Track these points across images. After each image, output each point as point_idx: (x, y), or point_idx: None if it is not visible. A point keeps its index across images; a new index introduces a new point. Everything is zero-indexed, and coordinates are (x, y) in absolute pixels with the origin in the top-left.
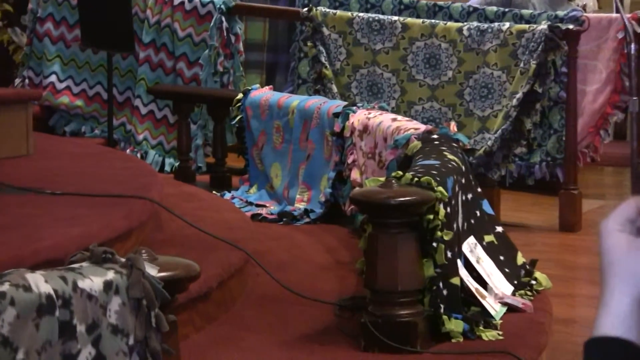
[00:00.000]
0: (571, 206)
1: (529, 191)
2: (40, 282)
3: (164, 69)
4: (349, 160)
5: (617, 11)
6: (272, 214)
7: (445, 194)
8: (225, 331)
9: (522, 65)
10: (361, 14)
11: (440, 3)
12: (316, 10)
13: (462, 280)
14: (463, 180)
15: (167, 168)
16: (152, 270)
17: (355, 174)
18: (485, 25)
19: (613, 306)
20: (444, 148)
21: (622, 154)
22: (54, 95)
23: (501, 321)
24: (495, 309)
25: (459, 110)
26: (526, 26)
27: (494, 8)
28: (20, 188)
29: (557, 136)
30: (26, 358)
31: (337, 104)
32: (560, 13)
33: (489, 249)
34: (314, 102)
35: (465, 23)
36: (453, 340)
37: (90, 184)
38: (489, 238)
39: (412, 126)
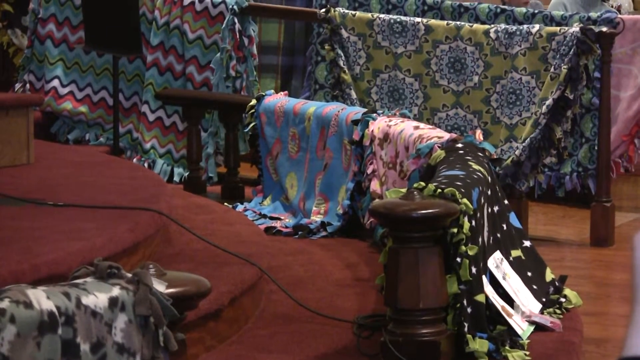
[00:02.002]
0: (604, 219)
1: (559, 203)
2: (42, 299)
3: (173, 73)
4: (369, 170)
5: None
6: (287, 227)
7: (470, 206)
8: (237, 351)
9: (552, 69)
10: (382, 15)
11: (466, 4)
12: (334, 11)
13: (487, 297)
14: (489, 192)
15: (176, 178)
16: (160, 286)
17: (375, 185)
18: (514, 28)
19: None
20: (469, 158)
21: None
22: (56, 101)
23: (529, 341)
24: (522, 327)
25: (485, 117)
26: (557, 28)
27: (523, 9)
28: (20, 199)
29: (589, 145)
30: None
31: (357, 111)
32: (594, 14)
33: (516, 265)
34: (332, 108)
35: (493, 25)
36: None
37: (94, 195)
38: (516, 253)
39: (435, 134)
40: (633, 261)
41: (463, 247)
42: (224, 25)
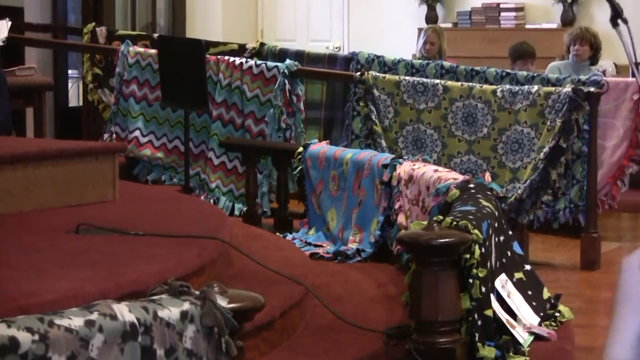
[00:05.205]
0: (592, 247)
1: (554, 234)
2: (125, 312)
3: (234, 125)
4: (396, 206)
5: (633, 75)
6: (328, 253)
7: (481, 236)
8: (286, 356)
9: (549, 123)
10: (407, 78)
11: (477, 68)
12: (368, 74)
13: (494, 312)
14: (496, 224)
15: (237, 212)
16: (222, 302)
17: (401, 218)
18: (517, 88)
19: (623, 334)
20: (479, 196)
21: (637, 201)
22: (138, 148)
23: (529, 348)
24: (524, 337)
25: (493, 162)
26: (553, 89)
27: (525, 72)
28: (107, 229)
29: (580, 186)
30: None
31: (386, 157)
32: (583, 77)
33: (519, 285)
34: (366, 154)
35: (499, 86)
36: None
37: (169, 226)
38: (518, 275)
39: (451, 176)
40: (619, 280)
41: (474, 270)
42: (276, 86)
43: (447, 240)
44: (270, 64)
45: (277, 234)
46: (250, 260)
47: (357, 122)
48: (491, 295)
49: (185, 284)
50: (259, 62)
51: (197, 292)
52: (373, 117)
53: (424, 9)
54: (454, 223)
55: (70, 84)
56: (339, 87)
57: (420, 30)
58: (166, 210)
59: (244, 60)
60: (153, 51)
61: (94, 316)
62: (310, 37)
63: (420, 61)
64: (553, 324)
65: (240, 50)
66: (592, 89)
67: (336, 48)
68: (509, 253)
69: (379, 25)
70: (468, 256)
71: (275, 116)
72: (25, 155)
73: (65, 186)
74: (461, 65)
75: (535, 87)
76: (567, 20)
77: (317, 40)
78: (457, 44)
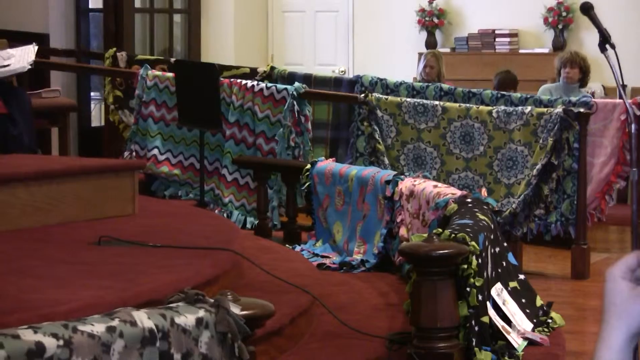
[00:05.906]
0: (581, 258)
1: (546, 245)
2: (144, 318)
3: (246, 144)
4: (398, 220)
5: (621, 97)
6: (334, 263)
7: (477, 247)
8: None
9: (541, 141)
10: (408, 99)
11: (474, 90)
12: (371, 95)
13: (490, 318)
14: (492, 236)
15: (248, 225)
16: (235, 309)
17: (403, 231)
18: (511, 109)
19: (610, 341)
20: (476, 210)
21: (624, 215)
22: (156, 165)
23: (523, 353)
24: (518, 342)
25: (488, 178)
26: (545, 109)
27: (519, 94)
28: (127, 241)
29: (570, 200)
30: None
31: (388, 173)
32: (573, 98)
33: (513, 293)
34: (369, 171)
35: (495, 107)
36: None
37: (184, 238)
38: (513, 284)
39: (450, 192)
40: (605, 290)
41: (471, 280)
42: (285, 107)
43: (445, 251)
44: (280, 86)
45: (286, 245)
46: (261, 270)
47: (361, 141)
48: (487, 303)
49: (200, 293)
50: (269, 84)
51: (212, 300)
52: (376, 136)
53: (424, 34)
54: (452, 235)
55: (92, 106)
56: (344, 108)
57: (420, 54)
58: (182, 223)
59: (255, 83)
60: (170, 74)
61: (115, 323)
62: (317, 61)
63: (421, 84)
64: (545, 330)
65: (252, 74)
66: (581, 110)
67: (341, 71)
68: (504, 263)
69: (381, 50)
70: (465, 266)
71: (284, 135)
72: (50, 172)
73: (88, 201)
74: (459, 87)
75: (529, 108)
76: (558, 45)
77: (324, 64)
78: (455, 68)
